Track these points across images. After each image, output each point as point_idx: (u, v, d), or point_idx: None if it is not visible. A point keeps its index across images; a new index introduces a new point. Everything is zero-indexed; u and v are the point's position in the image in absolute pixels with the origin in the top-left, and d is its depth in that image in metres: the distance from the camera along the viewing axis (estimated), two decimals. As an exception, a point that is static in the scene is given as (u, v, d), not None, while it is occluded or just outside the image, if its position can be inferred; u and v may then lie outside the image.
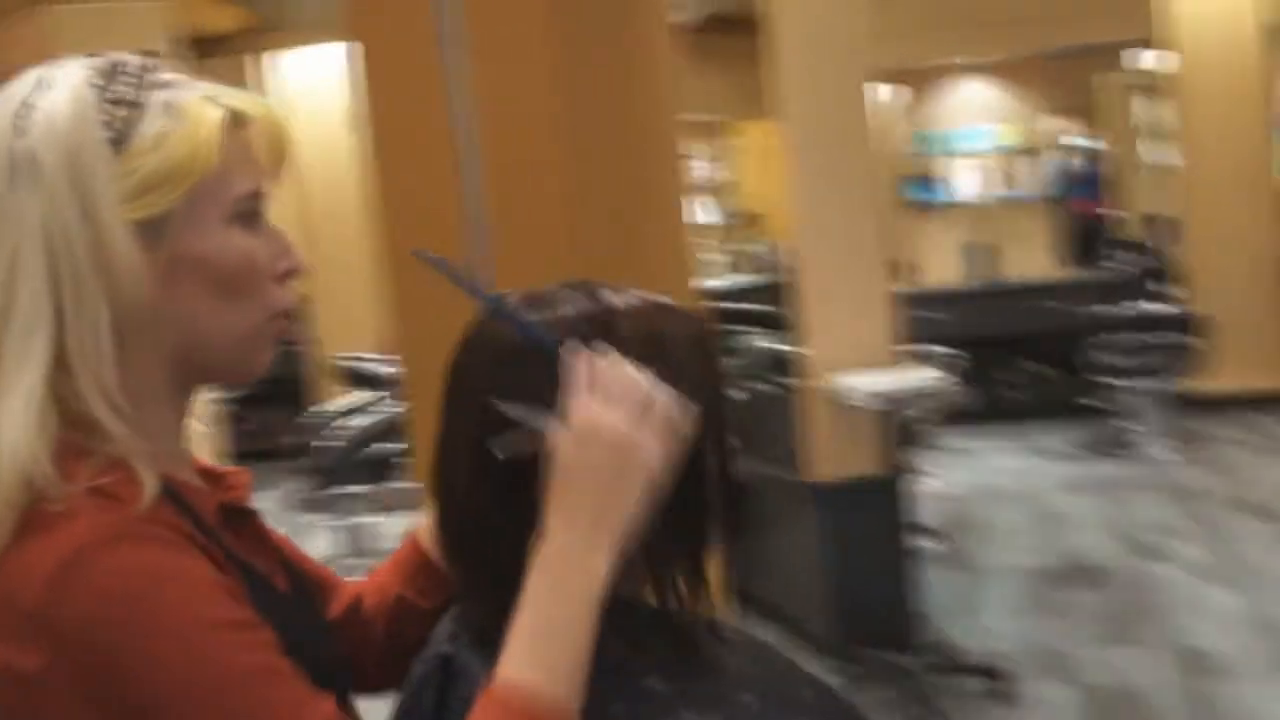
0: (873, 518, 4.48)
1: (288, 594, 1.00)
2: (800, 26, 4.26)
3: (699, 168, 10.98)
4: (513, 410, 0.92)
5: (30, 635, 0.80)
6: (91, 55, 0.94)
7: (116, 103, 0.90)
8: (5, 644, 0.81)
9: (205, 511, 0.94)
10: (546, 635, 0.86)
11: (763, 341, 5.05)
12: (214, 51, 7.70)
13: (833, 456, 4.42)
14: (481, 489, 0.94)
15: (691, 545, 0.98)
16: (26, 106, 0.89)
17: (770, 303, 5.37)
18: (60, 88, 0.90)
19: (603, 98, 2.05)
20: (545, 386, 0.91)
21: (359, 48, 2.00)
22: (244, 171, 0.95)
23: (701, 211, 10.83)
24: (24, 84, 0.91)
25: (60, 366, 0.86)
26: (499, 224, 1.96)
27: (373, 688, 1.10)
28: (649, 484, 0.89)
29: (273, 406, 8.26)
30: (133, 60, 0.94)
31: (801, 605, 4.70)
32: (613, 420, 0.88)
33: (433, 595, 1.09)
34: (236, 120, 0.95)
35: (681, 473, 0.94)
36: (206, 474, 1.01)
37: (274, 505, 6.42)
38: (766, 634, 4.74)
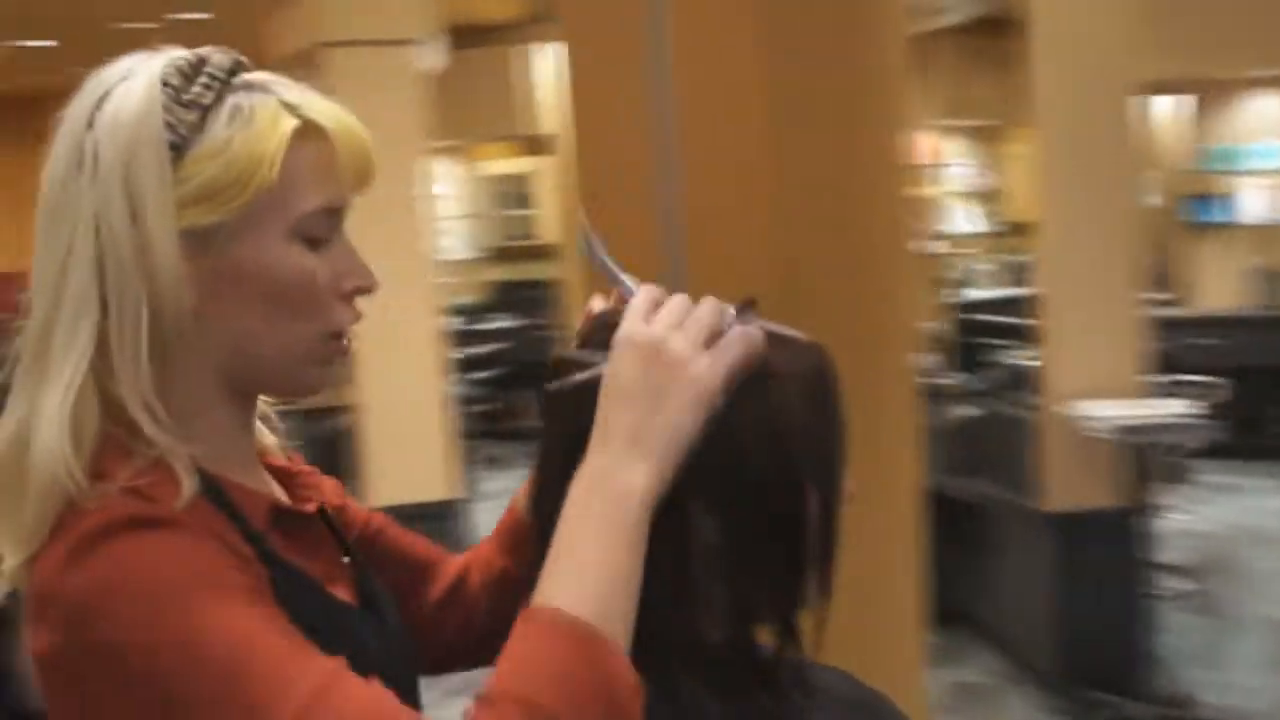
0: (1109, 552, 4.25)
1: (344, 603, 0.98)
2: (1059, 31, 4.05)
3: (964, 175, 10.66)
4: (575, 354, 0.91)
5: (41, 617, 0.81)
6: (183, 52, 0.92)
7: (188, 105, 0.88)
8: (28, 627, 0.82)
9: (253, 514, 0.92)
10: (571, 556, 0.82)
11: (1009, 358, 4.85)
12: (481, 42, 7.88)
13: (1070, 485, 4.21)
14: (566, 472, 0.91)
15: (781, 591, 0.93)
16: (105, 97, 0.88)
17: (1026, 318, 5.19)
18: (137, 82, 0.88)
19: (816, 104, 1.99)
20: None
21: (568, 46, 2.00)
22: (314, 186, 0.92)
23: (966, 220, 10.51)
24: (115, 71, 0.89)
25: (104, 359, 0.86)
26: (695, 230, 1.93)
27: (478, 662, 1.08)
28: (700, 401, 0.84)
29: (519, 388, 8.49)
30: (220, 59, 0.92)
31: (1026, 635, 4.50)
32: (658, 336, 0.84)
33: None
34: (312, 132, 0.91)
35: (780, 515, 0.90)
36: (281, 473, 1.01)
37: (516, 485, 6.54)
38: (984, 660, 4.57)
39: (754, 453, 0.90)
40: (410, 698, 0.95)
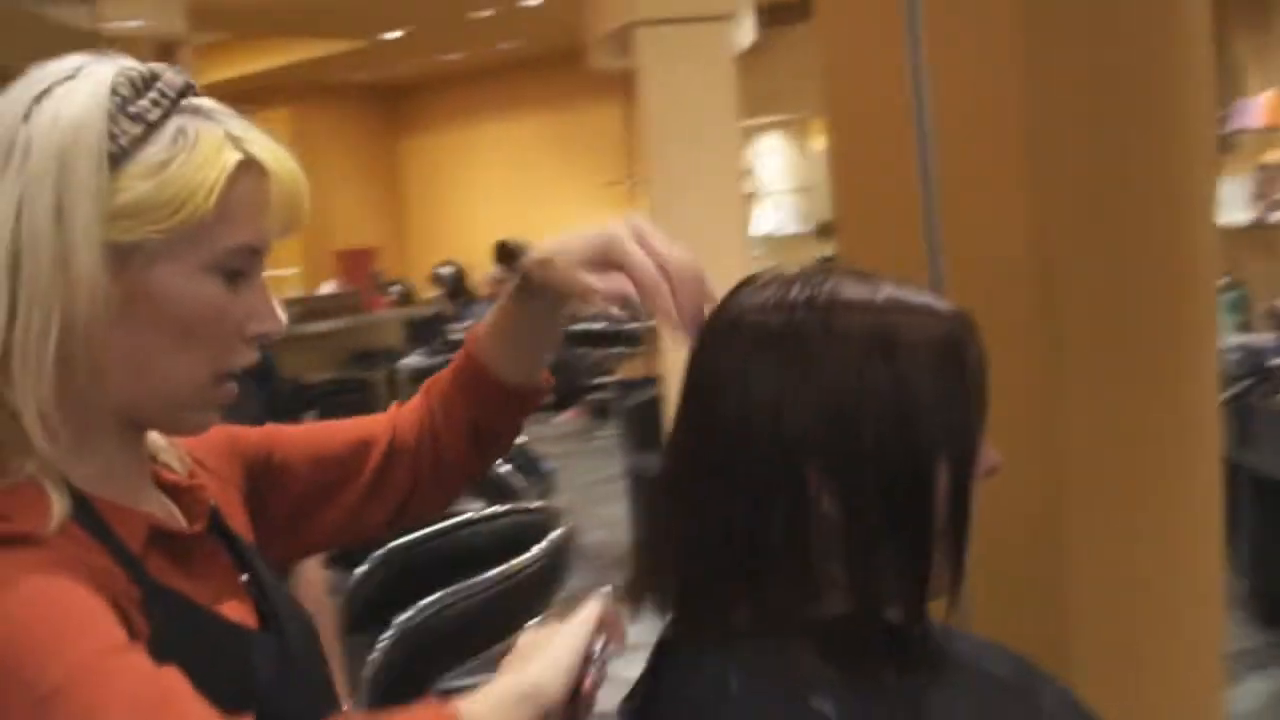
0: None
1: (232, 624, 0.94)
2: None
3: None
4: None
5: None
6: (135, 62, 0.90)
7: (134, 117, 0.86)
8: None
9: (130, 536, 0.89)
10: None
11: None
12: (789, 19, 7.79)
13: None
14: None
15: (905, 569, 0.90)
16: (46, 93, 0.85)
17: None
18: (83, 84, 0.86)
19: (1082, 88, 1.90)
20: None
21: (822, 30, 1.99)
22: (244, 223, 0.89)
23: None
24: (61, 68, 0.87)
25: (2, 365, 0.83)
26: (950, 217, 1.89)
27: (444, 500, 1.15)
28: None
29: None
30: (173, 78, 0.90)
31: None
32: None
33: (509, 416, 1.13)
34: (252, 169, 0.89)
35: (903, 488, 0.88)
36: (175, 490, 0.98)
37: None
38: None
39: (875, 422, 0.88)
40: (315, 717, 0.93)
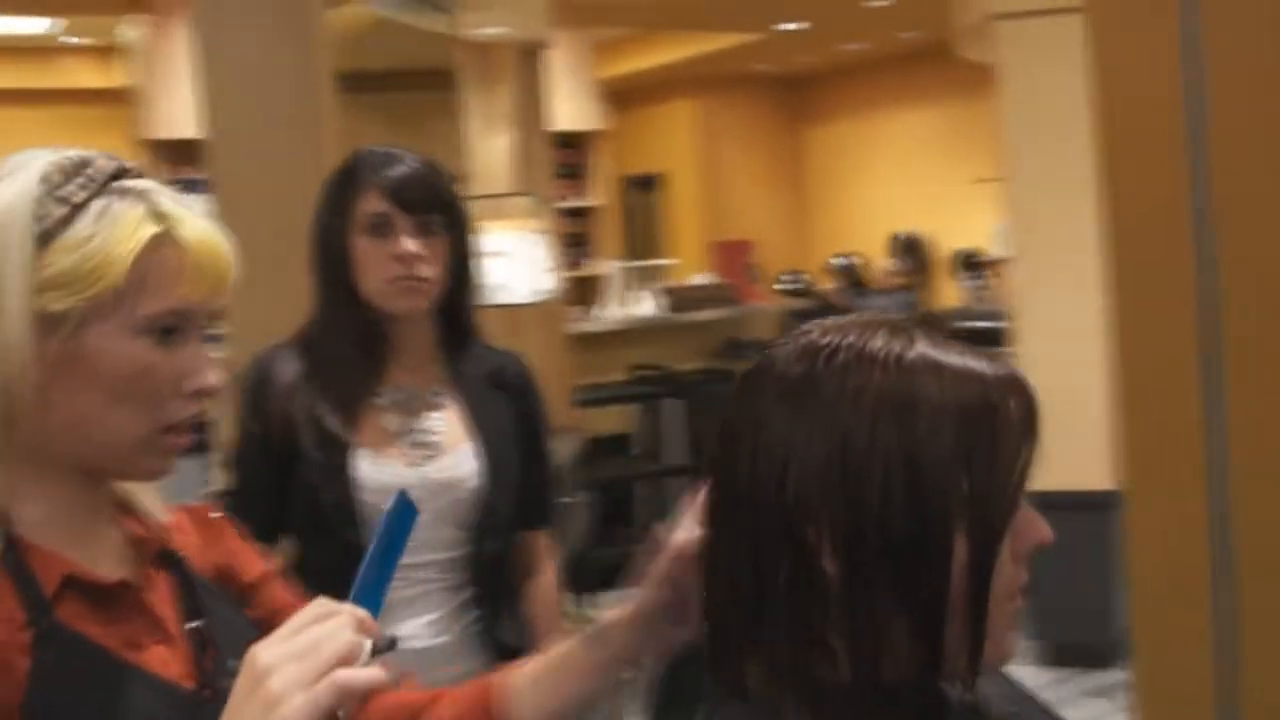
0: None
1: (142, 673, 1.01)
2: None
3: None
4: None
5: None
6: (73, 153, 1.01)
7: (60, 200, 0.97)
8: None
9: (46, 579, 0.98)
10: None
11: None
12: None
13: None
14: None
15: (916, 633, 0.87)
16: None
17: None
18: (18, 175, 0.98)
19: None
20: None
21: (1090, 18, 1.85)
22: (163, 290, 0.99)
23: None
24: (7, 164, 1.00)
25: None
26: (1224, 213, 1.73)
27: None
28: None
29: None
30: (104, 164, 1.01)
31: None
32: (266, 665, 0.84)
33: None
34: (167, 241, 0.99)
35: (910, 560, 0.86)
36: (135, 539, 1.08)
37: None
38: None
39: (881, 485, 0.85)
40: None
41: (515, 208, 4.96)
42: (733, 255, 7.30)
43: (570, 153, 8.48)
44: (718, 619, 0.94)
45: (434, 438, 1.88)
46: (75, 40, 8.10)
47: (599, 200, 8.65)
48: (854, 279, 10.10)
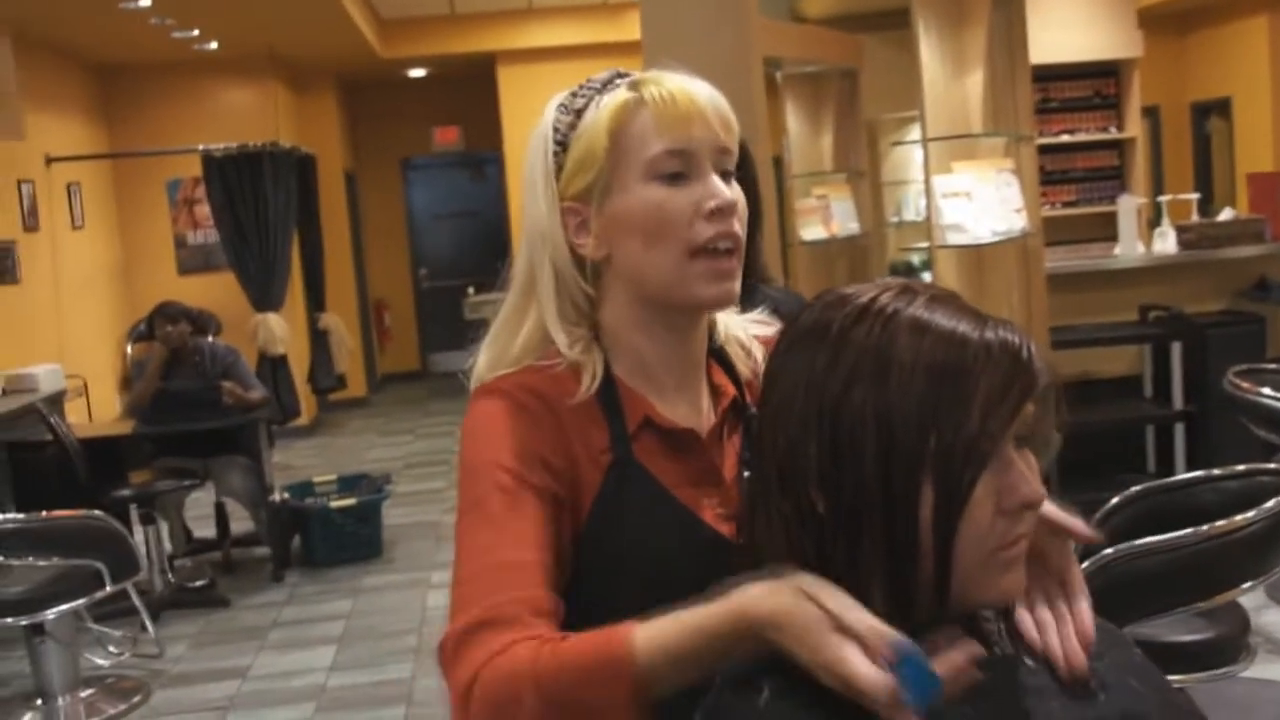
0: None
1: (680, 505, 1.20)
2: None
3: None
4: None
5: None
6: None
7: (567, 111, 1.22)
8: None
9: (631, 417, 1.20)
10: (681, 620, 0.96)
11: None
12: None
13: None
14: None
15: (888, 575, 0.93)
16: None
17: None
18: (549, 108, 1.24)
19: None
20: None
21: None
22: (647, 141, 1.17)
23: None
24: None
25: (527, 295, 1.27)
26: None
27: None
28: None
29: None
30: (600, 76, 1.23)
31: None
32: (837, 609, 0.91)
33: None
34: (637, 104, 1.18)
35: (883, 508, 0.91)
36: (716, 392, 1.29)
37: None
38: None
39: (852, 434, 0.91)
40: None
41: (986, 148, 4.94)
42: (1267, 189, 6.67)
43: (1102, 82, 8.10)
44: (751, 554, 1.01)
45: None
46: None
47: (1130, 132, 8.18)
48: None
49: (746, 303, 2.15)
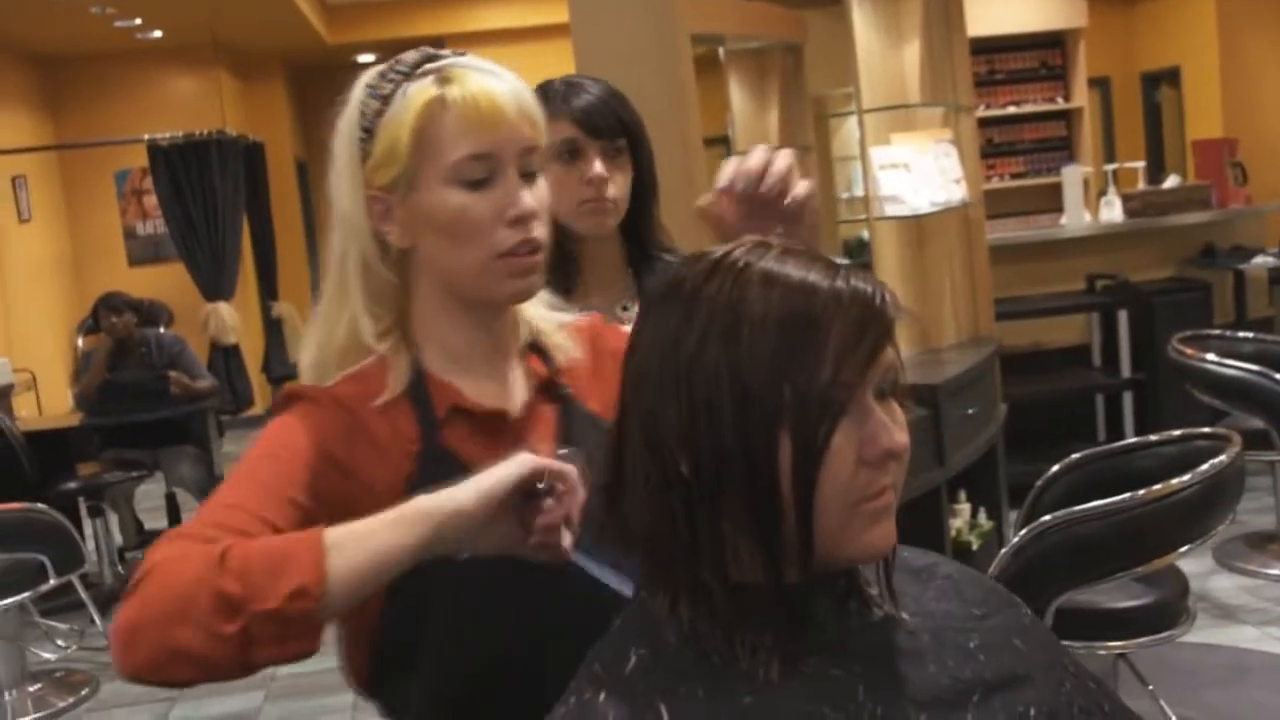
0: None
1: None
2: None
3: None
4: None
5: None
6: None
7: (375, 96, 1.19)
8: None
9: (439, 405, 1.22)
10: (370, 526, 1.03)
11: None
12: None
13: None
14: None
15: (752, 531, 0.93)
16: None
17: None
18: (356, 87, 1.21)
19: None
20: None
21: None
22: (448, 144, 1.16)
23: None
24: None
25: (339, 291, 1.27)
26: None
27: None
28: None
29: None
30: (409, 57, 1.20)
31: None
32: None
33: None
34: (442, 103, 1.16)
35: (741, 455, 0.91)
36: (530, 377, 1.31)
37: None
38: None
39: (706, 390, 0.91)
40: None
41: (925, 118, 4.94)
42: (1210, 155, 6.71)
43: (1048, 53, 8.14)
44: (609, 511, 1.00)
45: None
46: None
47: (1078, 102, 8.23)
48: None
49: (648, 275, 2.14)
